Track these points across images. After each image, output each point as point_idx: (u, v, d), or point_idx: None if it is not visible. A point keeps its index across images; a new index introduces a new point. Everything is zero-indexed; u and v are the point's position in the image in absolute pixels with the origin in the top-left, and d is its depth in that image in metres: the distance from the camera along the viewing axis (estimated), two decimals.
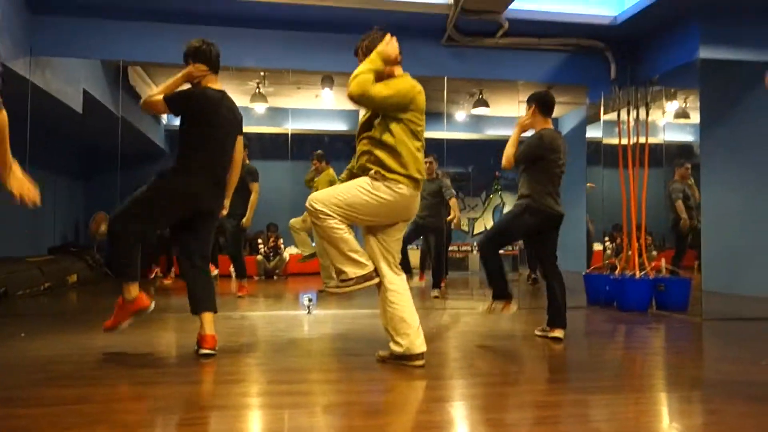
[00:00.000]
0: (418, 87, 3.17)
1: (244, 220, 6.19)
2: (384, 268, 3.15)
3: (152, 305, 3.43)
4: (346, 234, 3.05)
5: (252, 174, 6.28)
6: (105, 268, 8.84)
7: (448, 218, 6.89)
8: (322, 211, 3.02)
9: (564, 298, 4.00)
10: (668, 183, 6.71)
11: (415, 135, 3.12)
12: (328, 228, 3.03)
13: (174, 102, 3.31)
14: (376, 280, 3.10)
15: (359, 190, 3.05)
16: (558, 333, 3.95)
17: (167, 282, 7.79)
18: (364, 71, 3.01)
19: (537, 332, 4.11)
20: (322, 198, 3.06)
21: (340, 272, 3.08)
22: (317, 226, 3.07)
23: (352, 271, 3.04)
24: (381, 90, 3.01)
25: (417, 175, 3.09)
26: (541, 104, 4.15)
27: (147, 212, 3.32)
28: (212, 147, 3.36)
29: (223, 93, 3.43)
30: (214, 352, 3.30)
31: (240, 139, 3.56)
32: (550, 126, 4.17)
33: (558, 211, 4.04)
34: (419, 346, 3.08)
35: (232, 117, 3.47)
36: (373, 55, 3.07)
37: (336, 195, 3.07)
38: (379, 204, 3.04)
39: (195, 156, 3.33)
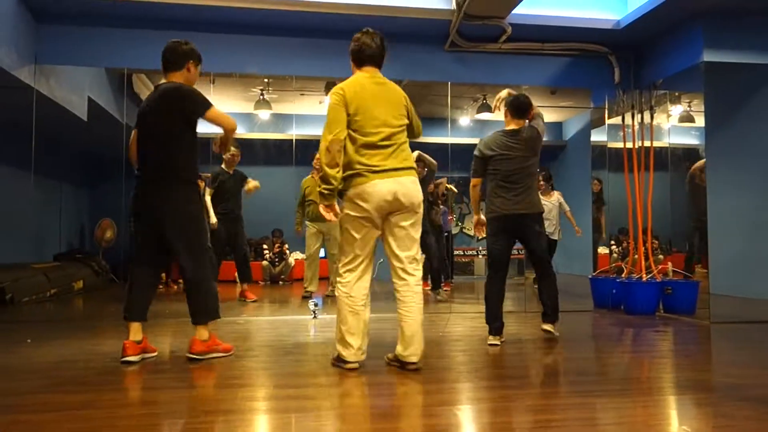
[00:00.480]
0: (340, 90, 3.16)
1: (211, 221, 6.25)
2: (392, 274, 3.21)
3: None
4: (345, 311, 3.17)
5: (243, 176, 6.54)
6: (111, 274, 8.87)
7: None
8: (340, 272, 3.23)
9: (551, 297, 4.11)
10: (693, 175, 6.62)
11: (365, 133, 3.12)
12: (338, 300, 3.21)
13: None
14: (354, 367, 3.16)
15: (341, 223, 3.20)
16: (546, 327, 4.13)
17: (175, 288, 7.80)
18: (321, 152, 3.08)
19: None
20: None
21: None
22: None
23: (340, 349, 3.19)
24: (323, 137, 3.09)
25: (358, 168, 3.08)
26: (510, 106, 4.18)
27: (136, 246, 3.47)
28: (143, 150, 3.41)
29: (152, 92, 3.50)
30: (200, 358, 3.36)
31: (211, 113, 3.36)
32: (520, 126, 4.14)
33: (508, 212, 3.98)
34: (411, 354, 3.12)
35: (150, 110, 3.39)
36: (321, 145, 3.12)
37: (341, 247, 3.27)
38: (356, 213, 3.09)
39: (140, 169, 3.44)
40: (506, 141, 4.07)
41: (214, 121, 3.40)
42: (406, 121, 3.27)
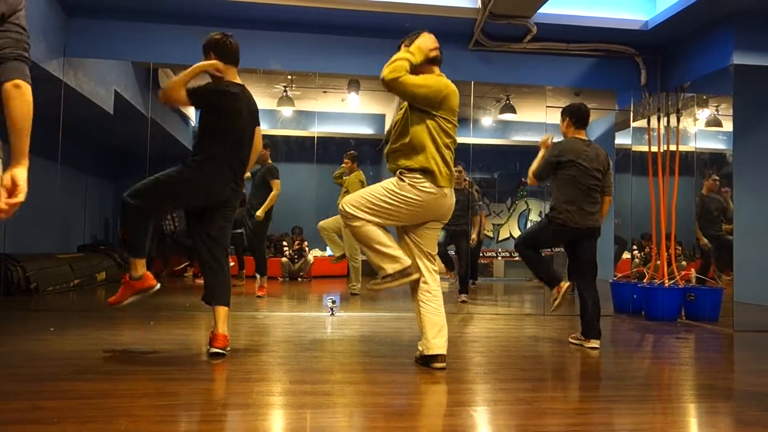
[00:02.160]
0: (452, 87, 3.17)
1: (258, 211, 6.21)
2: (420, 266, 3.18)
3: (157, 286, 3.43)
4: (378, 231, 3.09)
5: (271, 172, 6.32)
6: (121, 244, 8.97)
7: (473, 235, 6.94)
8: (353, 213, 3.09)
9: (596, 311, 3.96)
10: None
11: (446, 132, 3.13)
12: (360, 228, 3.09)
13: (196, 95, 3.34)
14: (416, 276, 3.11)
15: (387, 191, 3.09)
16: (592, 343, 3.93)
17: (200, 281, 7.85)
18: (400, 58, 3.04)
19: (571, 339, 4.10)
20: (354, 200, 3.14)
21: (379, 268, 3.12)
22: (350, 227, 3.13)
23: (390, 267, 3.07)
24: (414, 79, 3.03)
25: (434, 168, 3.05)
26: (575, 116, 4.14)
27: (164, 194, 3.38)
28: (231, 142, 3.39)
29: (242, 87, 3.46)
30: (224, 352, 3.30)
31: (258, 130, 3.61)
32: (581, 137, 4.12)
33: (581, 225, 3.95)
34: (437, 347, 3.07)
35: (248, 112, 3.47)
36: (413, 47, 3.10)
37: (366, 197, 3.12)
38: (407, 204, 3.06)
39: (215, 150, 3.36)
40: (585, 152, 4.03)
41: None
42: None
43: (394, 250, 3.09)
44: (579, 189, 3.96)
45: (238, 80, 3.48)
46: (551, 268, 4.14)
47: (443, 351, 3.09)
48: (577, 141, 4.08)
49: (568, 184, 3.99)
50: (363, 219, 3.08)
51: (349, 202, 3.13)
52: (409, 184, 3.06)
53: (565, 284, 4.01)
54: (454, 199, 3.21)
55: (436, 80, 3.13)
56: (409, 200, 3.05)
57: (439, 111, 3.09)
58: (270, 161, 6.45)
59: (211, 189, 3.37)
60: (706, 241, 6.59)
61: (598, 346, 3.90)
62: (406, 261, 3.08)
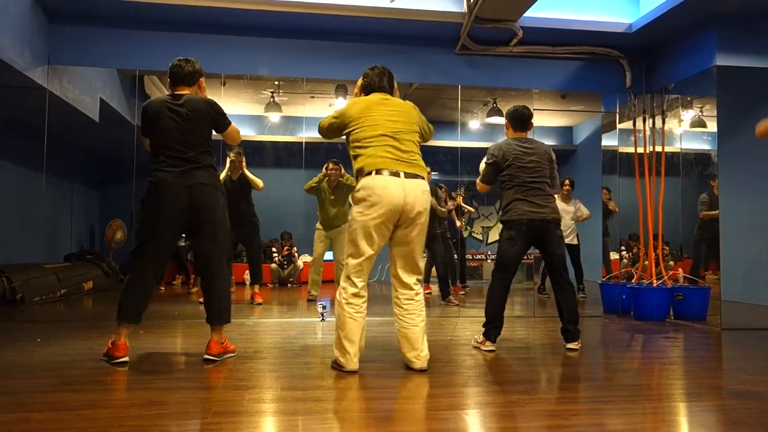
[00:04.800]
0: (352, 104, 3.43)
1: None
2: (395, 280, 3.30)
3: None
4: (347, 319, 3.18)
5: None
6: (120, 275, 8.91)
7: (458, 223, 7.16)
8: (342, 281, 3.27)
9: (571, 316, 3.94)
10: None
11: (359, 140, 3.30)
12: (339, 304, 3.23)
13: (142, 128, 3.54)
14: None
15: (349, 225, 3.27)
16: (570, 345, 3.95)
17: (194, 290, 7.82)
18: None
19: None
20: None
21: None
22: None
23: (336, 354, 3.21)
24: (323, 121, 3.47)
25: (369, 167, 3.17)
26: (512, 119, 4.17)
27: (143, 238, 3.44)
28: (167, 146, 3.40)
29: (165, 98, 3.48)
30: (216, 359, 3.41)
31: (232, 127, 3.63)
32: (519, 136, 4.13)
33: (526, 215, 3.90)
34: (410, 361, 3.21)
35: (180, 117, 3.41)
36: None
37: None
38: (362, 222, 3.14)
39: (155, 165, 3.42)
40: (518, 149, 4.03)
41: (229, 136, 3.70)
42: None
43: (349, 345, 3.17)
44: (520, 186, 3.97)
45: (188, 92, 3.53)
46: (496, 312, 3.93)
47: (418, 365, 3.19)
48: (512, 140, 4.09)
49: (509, 183, 4.01)
50: (344, 279, 3.30)
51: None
52: (353, 208, 3.27)
53: (489, 345, 3.90)
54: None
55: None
56: (360, 218, 3.21)
57: (347, 129, 3.35)
58: (246, 169, 6.47)
59: (168, 198, 3.47)
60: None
61: (575, 347, 3.92)
62: (349, 363, 3.16)
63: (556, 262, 3.99)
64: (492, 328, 3.92)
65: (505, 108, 8.58)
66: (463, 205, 7.98)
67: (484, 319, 3.98)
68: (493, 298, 4.00)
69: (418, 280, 3.29)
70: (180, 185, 3.34)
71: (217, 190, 3.48)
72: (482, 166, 4.26)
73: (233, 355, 3.59)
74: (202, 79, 3.63)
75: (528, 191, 3.96)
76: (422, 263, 3.34)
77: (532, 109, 4.23)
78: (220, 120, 3.56)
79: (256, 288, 6.67)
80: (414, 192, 3.14)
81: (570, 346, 3.95)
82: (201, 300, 6.30)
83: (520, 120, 4.14)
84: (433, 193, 6.71)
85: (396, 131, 3.24)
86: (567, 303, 3.97)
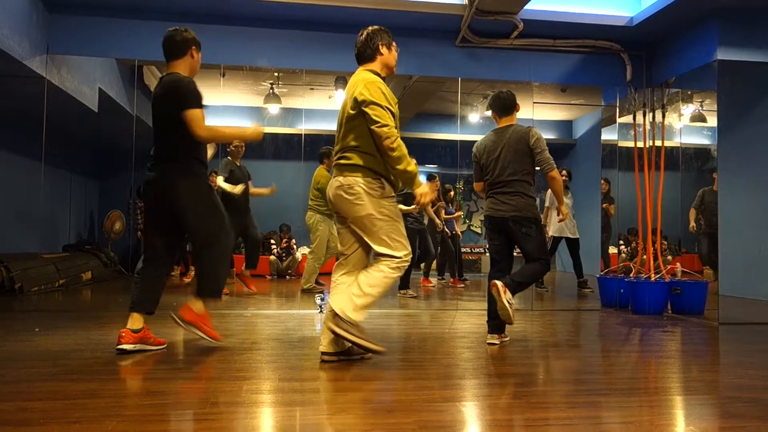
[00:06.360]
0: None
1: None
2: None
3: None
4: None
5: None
6: (119, 266, 8.92)
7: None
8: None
9: (522, 274, 3.83)
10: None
11: None
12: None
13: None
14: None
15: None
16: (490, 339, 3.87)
17: (187, 280, 7.84)
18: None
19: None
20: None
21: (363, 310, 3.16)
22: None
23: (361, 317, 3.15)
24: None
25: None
26: (493, 105, 4.09)
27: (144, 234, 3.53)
28: (154, 136, 3.45)
29: (159, 80, 3.47)
30: (181, 324, 3.49)
31: (188, 114, 3.27)
32: (510, 123, 4.01)
33: (494, 214, 3.88)
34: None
35: (153, 103, 3.42)
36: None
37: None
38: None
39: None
40: (488, 143, 4.01)
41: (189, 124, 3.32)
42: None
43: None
44: (490, 182, 3.96)
45: (176, 70, 3.46)
46: (489, 306, 3.86)
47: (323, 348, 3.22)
48: (489, 135, 4.05)
49: (486, 180, 4.01)
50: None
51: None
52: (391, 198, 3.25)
53: (488, 337, 3.86)
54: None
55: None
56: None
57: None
58: (239, 163, 6.59)
59: (144, 195, 3.55)
60: (693, 224, 6.71)
61: (494, 341, 3.84)
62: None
63: (525, 257, 3.90)
64: (490, 320, 3.92)
65: None
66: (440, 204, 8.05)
67: (482, 313, 3.99)
68: (489, 291, 3.98)
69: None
70: (150, 182, 3.41)
71: (184, 179, 3.36)
72: None
73: (153, 349, 3.44)
74: (194, 48, 3.49)
75: (492, 188, 3.95)
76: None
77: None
78: (180, 101, 3.27)
79: (248, 273, 6.76)
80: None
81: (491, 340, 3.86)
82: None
83: (498, 104, 4.03)
84: None
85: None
86: (524, 269, 3.86)
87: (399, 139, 3.08)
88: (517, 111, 4.06)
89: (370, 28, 3.40)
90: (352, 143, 3.16)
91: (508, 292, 3.62)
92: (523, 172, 3.86)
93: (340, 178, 3.17)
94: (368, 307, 3.13)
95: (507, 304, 3.58)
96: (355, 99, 3.12)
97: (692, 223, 6.81)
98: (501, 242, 3.97)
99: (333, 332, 3.07)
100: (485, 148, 4.00)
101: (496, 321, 3.85)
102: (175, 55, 3.46)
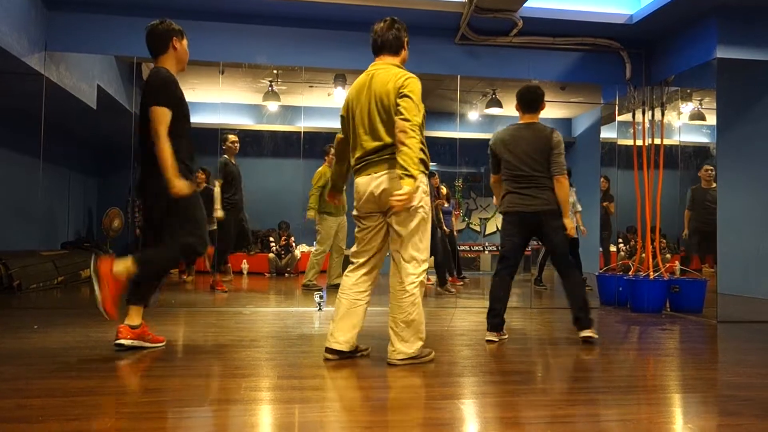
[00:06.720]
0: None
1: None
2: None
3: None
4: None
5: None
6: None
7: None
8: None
9: (577, 297, 3.90)
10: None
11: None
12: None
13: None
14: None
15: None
16: (584, 333, 3.86)
17: (188, 279, 7.83)
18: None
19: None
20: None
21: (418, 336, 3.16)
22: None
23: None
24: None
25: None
26: (518, 100, 4.07)
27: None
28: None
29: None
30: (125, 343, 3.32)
31: (153, 111, 3.19)
32: (532, 121, 4.01)
33: (516, 208, 3.88)
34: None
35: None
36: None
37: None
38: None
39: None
40: (512, 137, 3.97)
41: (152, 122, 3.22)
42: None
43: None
44: (510, 177, 3.93)
45: (163, 65, 3.40)
46: (494, 304, 3.88)
47: (329, 344, 3.22)
48: (509, 129, 4.02)
49: (505, 174, 3.98)
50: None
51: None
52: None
53: (487, 335, 3.87)
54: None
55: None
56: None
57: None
58: (234, 161, 6.67)
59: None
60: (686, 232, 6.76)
61: (589, 335, 3.84)
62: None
63: (554, 249, 3.96)
64: (490, 317, 3.91)
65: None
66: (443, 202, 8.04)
67: (481, 311, 3.99)
68: (491, 287, 3.99)
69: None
70: (137, 185, 3.38)
71: (150, 179, 3.26)
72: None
73: (151, 346, 3.39)
74: (175, 39, 3.39)
75: (516, 183, 3.92)
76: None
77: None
78: (147, 97, 3.19)
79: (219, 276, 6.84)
80: None
81: (583, 334, 3.85)
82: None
83: (524, 100, 4.02)
84: None
85: None
86: (572, 289, 3.92)
87: (418, 140, 2.98)
88: (542, 110, 4.05)
89: (392, 19, 3.34)
90: None
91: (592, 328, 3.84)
92: (546, 170, 3.90)
93: (393, 171, 3.05)
94: (420, 331, 3.16)
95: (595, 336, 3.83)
96: (398, 90, 3.03)
97: (686, 231, 6.85)
98: (520, 239, 3.97)
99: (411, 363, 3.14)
100: (503, 142, 3.97)
101: (496, 319, 3.86)
102: (157, 50, 3.40)
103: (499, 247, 4.07)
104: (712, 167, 6.65)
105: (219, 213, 6.35)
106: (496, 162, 4.05)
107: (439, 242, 6.97)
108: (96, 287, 3.11)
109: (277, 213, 9.58)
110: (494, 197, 4.26)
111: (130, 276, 3.17)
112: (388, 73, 3.13)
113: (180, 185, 3.18)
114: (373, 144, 3.11)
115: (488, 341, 3.84)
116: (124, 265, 3.14)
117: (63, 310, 5.15)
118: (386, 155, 3.09)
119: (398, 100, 3.01)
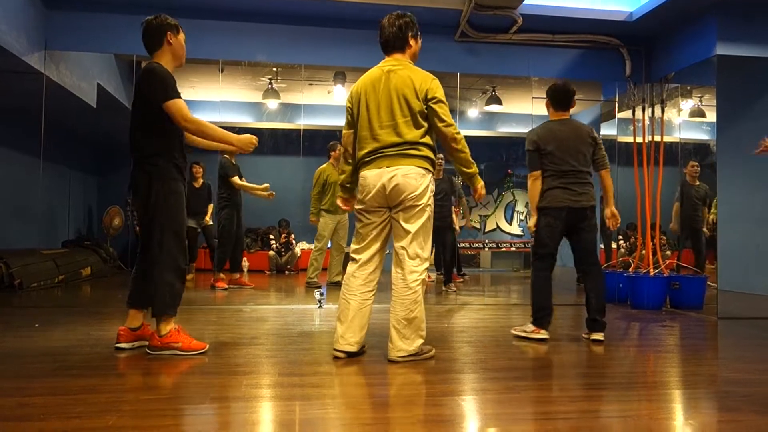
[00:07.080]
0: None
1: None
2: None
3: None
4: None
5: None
6: (118, 261, 8.92)
7: (463, 219, 7.26)
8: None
9: (598, 300, 3.89)
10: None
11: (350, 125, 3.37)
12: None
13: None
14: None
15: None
16: (597, 336, 3.88)
17: (188, 277, 7.84)
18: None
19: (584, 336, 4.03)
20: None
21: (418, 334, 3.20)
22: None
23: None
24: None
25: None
26: (551, 97, 4.06)
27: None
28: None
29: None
30: (151, 353, 3.23)
31: (169, 106, 3.14)
32: (563, 117, 4.03)
33: (565, 203, 3.85)
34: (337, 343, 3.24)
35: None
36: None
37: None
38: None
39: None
40: (558, 134, 3.94)
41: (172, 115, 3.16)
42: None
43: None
44: (556, 172, 3.90)
45: (159, 61, 3.34)
46: (545, 302, 3.91)
47: (339, 346, 3.25)
48: (549, 124, 4.02)
49: (548, 170, 3.94)
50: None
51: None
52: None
53: (542, 333, 3.88)
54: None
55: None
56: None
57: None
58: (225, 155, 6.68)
59: None
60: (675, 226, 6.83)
61: (600, 338, 3.87)
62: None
63: (585, 246, 3.95)
64: (543, 316, 3.91)
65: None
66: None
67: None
68: (538, 289, 3.97)
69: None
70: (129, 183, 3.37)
71: (144, 176, 3.23)
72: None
73: (183, 353, 3.21)
74: (170, 33, 3.32)
75: (565, 178, 3.89)
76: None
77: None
78: (150, 92, 3.12)
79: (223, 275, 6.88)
80: None
81: (595, 336, 3.87)
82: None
83: (560, 97, 4.01)
84: None
85: None
86: (595, 290, 3.92)
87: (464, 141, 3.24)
88: (573, 107, 4.08)
89: (397, 14, 3.45)
90: (422, 139, 3.17)
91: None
92: (587, 164, 3.94)
93: (407, 167, 3.10)
94: (421, 329, 3.18)
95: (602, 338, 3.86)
96: (426, 95, 3.18)
97: (674, 225, 6.89)
98: (560, 235, 3.96)
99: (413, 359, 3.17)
100: (548, 138, 3.94)
101: (550, 317, 3.94)
102: (152, 46, 3.35)
103: (537, 245, 4.01)
104: (697, 163, 6.67)
105: (207, 219, 6.52)
106: (537, 157, 3.97)
107: (450, 241, 6.97)
108: (175, 352, 3.20)
109: (277, 210, 9.59)
110: (529, 194, 4.07)
111: (170, 320, 3.24)
112: (408, 72, 3.23)
113: (245, 138, 3.31)
114: (392, 139, 3.14)
115: (542, 340, 3.85)
116: (160, 326, 3.22)
117: (64, 309, 5.16)
118: (404, 151, 3.14)
119: (434, 106, 3.18)
